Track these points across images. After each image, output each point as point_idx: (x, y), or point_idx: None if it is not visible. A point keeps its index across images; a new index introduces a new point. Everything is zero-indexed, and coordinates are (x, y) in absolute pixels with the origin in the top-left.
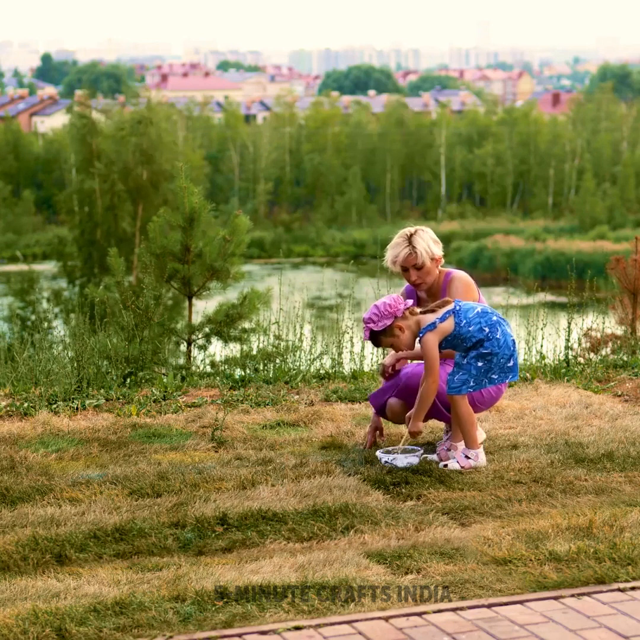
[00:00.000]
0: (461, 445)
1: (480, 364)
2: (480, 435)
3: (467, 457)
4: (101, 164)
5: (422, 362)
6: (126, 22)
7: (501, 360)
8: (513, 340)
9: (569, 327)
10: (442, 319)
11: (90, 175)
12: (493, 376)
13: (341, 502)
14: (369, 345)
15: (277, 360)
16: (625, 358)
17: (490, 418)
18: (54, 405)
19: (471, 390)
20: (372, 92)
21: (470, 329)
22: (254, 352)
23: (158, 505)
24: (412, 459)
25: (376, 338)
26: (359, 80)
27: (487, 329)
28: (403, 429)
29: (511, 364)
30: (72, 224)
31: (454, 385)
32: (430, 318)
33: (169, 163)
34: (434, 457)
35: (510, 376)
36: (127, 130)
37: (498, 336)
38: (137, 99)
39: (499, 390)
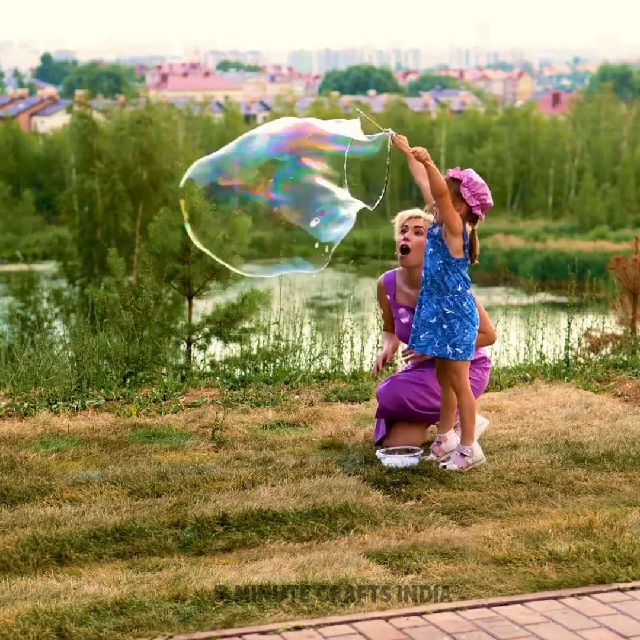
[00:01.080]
0: (450, 434)
1: (445, 326)
2: (484, 423)
3: (463, 455)
4: (102, 164)
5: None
6: (126, 22)
7: (464, 331)
8: (477, 320)
9: (569, 327)
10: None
11: (90, 175)
12: (457, 350)
13: (341, 502)
14: (369, 345)
15: (277, 360)
16: (625, 358)
17: (490, 418)
18: (54, 405)
19: (435, 353)
20: (372, 92)
21: (455, 272)
22: (254, 352)
23: (158, 505)
24: (412, 460)
25: (454, 183)
26: (359, 80)
27: (459, 288)
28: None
29: (473, 343)
30: (72, 224)
31: (421, 344)
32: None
33: (168, 163)
34: (431, 456)
35: (471, 355)
36: (126, 130)
37: (465, 305)
38: (137, 99)
39: (484, 374)
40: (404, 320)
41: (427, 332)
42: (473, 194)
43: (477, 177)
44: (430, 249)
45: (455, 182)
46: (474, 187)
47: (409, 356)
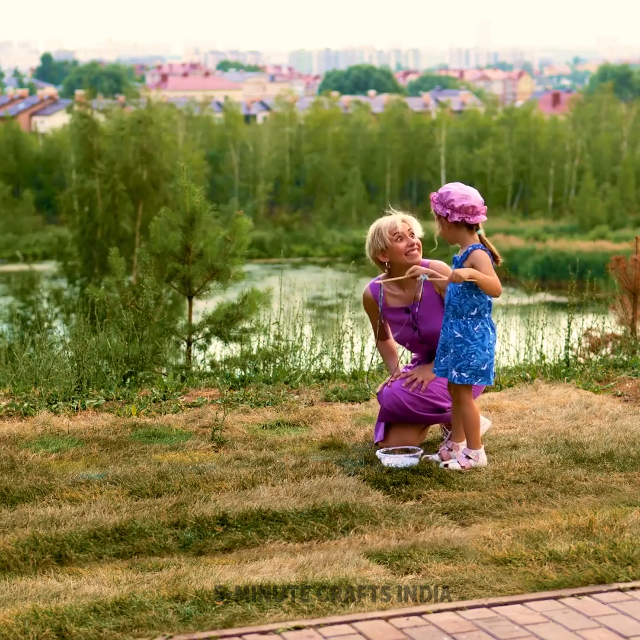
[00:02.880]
0: (462, 445)
1: (452, 350)
2: (485, 423)
3: (468, 457)
4: (102, 164)
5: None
6: (126, 22)
7: (471, 356)
8: (492, 343)
9: (569, 327)
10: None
11: (90, 175)
12: (463, 374)
13: (341, 502)
14: (369, 345)
15: (277, 360)
16: (625, 358)
17: (490, 418)
18: (54, 405)
19: (449, 377)
20: (372, 92)
21: (478, 294)
22: (254, 352)
23: (158, 505)
24: (412, 460)
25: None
26: (359, 80)
27: (474, 312)
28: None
29: (485, 368)
30: (72, 224)
31: (441, 368)
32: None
33: (168, 163)
34: (435, 457)
35: (480, 379)
36: (127, 130)
37: (475, 330)
38: (137, 99)
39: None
40: (400, 319)
41: (447, 356)
42: (454, 210)
43: (444, 187)
44: None
45: (440, 211)
46: (442, 200)
47: (412, 386)
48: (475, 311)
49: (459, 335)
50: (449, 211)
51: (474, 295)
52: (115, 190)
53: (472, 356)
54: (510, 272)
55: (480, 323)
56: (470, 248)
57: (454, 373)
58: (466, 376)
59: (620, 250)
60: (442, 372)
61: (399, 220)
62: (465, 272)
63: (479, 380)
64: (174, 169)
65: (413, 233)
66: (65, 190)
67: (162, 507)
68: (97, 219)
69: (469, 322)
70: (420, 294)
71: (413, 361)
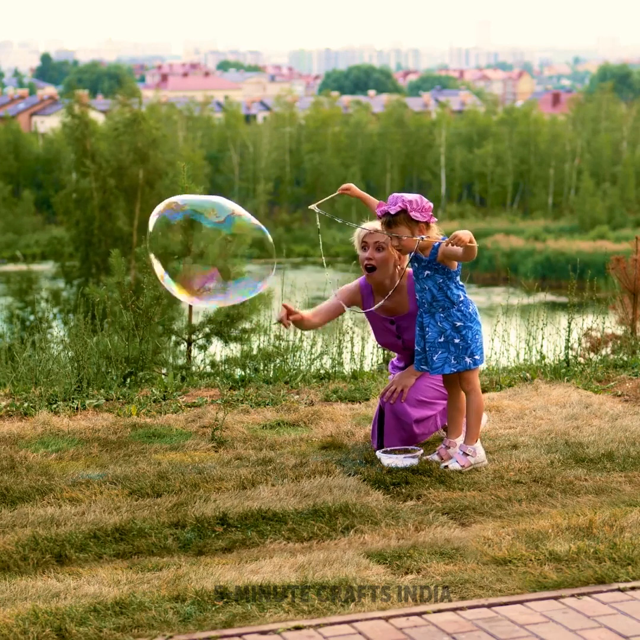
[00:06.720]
0: (459, 440)
1: (457, 340)
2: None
3: (465, 454)
4: (95, 164)
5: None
6: (126, 22)
7: (476, 337)
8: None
9: (569, 327)
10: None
11: (83, 175)
12: (476, 357)
13: (341, 502)
14: (369, 345)
15: (277, 360)
16: (625, 358)
17: (490, 418)
18: (54, 405)
19: (454, 369)
20: (372, 92)
21: (455, 282)
22: (254, 352)
23: (158, 505)
24: (412, 460)
25: (394, 220)
26: (359, 80)
27: (462, 297)
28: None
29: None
30: (69, 224)
31: (436, 365)
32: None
33: (164, 160)
34: (434, 456)
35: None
36: (120, 129)
37: (470, 311)
38: (136, 98)
39: None
40: (383, 326)
41: (440, 352)
42: (421, 211)
43: (410, 196)
44: (426, 272)
45: (403, 212)
46: (420, 212)
47: (393, 397)
48: (462, 296)
49: (459, 323)
50: (429, 215)
51: (454, 283)
52: (106, 189)
53: (476, 337)
54: (510, 272)
55: (469, 304)
56: (436, 244)
57: (468, 360)
58: (478, 357)
59: (620, 250)
60: (438, 370)
61: (372, 229)
62: (466, 236)
63: (483, 358)
64: (169, 166)
65: (379, 247)
66: (61, 191)
67: (162, 507)
68: (93, 219)
69: (462, 308)
70: (408, 305)
71: (395, 368)
